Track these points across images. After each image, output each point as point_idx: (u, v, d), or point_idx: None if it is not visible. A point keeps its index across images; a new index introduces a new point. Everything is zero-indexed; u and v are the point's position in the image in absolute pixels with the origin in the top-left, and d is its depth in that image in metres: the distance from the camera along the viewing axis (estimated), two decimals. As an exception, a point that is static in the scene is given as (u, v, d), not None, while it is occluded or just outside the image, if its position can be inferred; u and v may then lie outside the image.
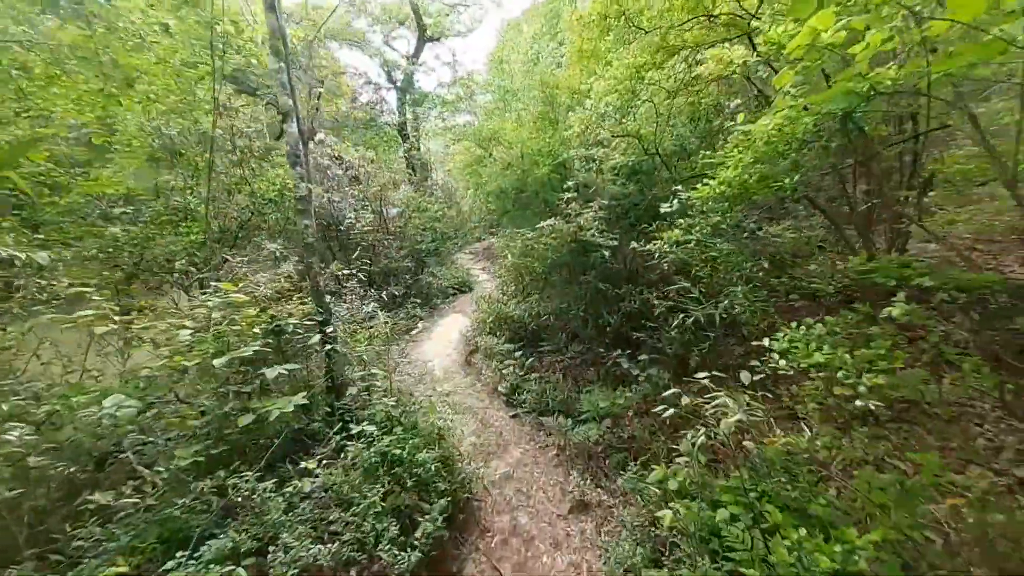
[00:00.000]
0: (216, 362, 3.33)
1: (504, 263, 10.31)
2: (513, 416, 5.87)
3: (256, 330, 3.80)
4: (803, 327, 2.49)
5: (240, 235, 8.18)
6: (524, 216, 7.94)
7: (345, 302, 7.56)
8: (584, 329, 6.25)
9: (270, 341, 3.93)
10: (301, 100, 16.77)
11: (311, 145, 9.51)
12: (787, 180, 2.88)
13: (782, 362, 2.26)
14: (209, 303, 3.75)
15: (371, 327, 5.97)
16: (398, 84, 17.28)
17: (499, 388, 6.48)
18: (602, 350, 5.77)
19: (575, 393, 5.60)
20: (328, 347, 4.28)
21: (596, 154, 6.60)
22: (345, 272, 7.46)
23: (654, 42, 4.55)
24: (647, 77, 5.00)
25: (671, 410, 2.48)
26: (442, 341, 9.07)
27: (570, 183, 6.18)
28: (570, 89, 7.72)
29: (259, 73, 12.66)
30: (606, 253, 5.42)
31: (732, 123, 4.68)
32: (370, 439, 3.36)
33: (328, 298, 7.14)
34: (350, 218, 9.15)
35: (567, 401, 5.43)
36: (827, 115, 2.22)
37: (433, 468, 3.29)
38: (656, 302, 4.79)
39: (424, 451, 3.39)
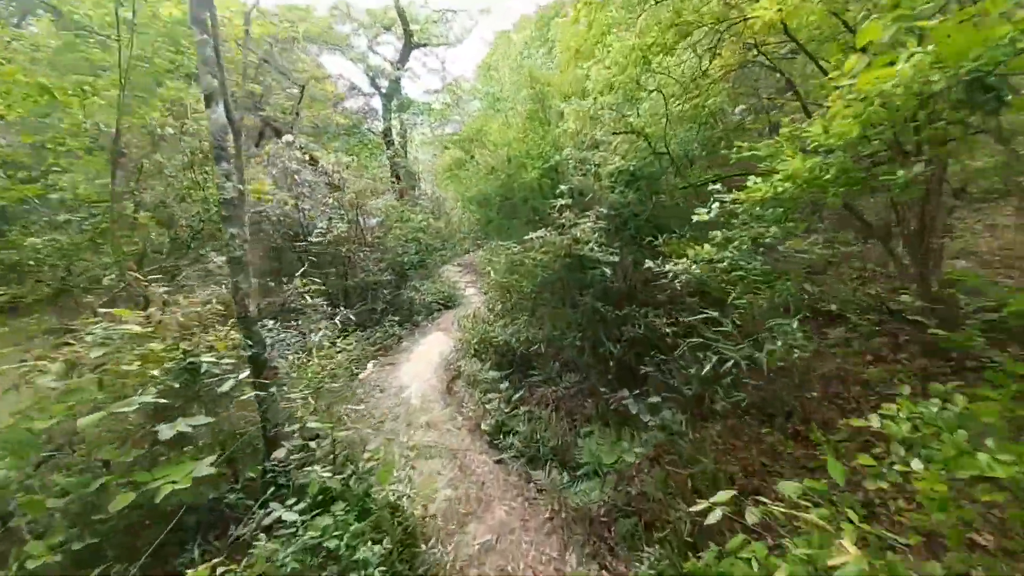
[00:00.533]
0: (83, 422, 2.42)
1: (488, 280, 9.55)
2: (498, 462, 4.97)
3: (157, 372, 2.90)
4: (922, 397, 1.55)
5: (192, 245, 7.25)
6: (511, 227, 7.13)
7: (307, 323, 6.65)
8: (580, 357, 5.41)
9: (178, 384, 3.03)
10: (280, 103, 15.95)
11: (277, 147, 8.66)
12: (899, 173, 1.99)
13: (916, 464, 1.42)
14: (91, 335, 2.84)
15: (329, 355, 5.06)
16: (383, 90, 16.56)
17: (482, 425, 5.59)
18: (602, 384, 4.92)
19: (571, 435, 4.74)
20: (261, 391, 3.38)
21: (593, 157, 5.85)
22: (310, 288, 6.55)
23: (666, 17, 3.81)
24: (655, 63, 4.26)
25: (717, 512, 1.66)
26: (422, 362, 8.15)
27: (563, 187, 5.39)
28: (562, 92, 7.02)
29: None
30: (607, 271, 4.62)
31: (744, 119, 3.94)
32: (293, 528, 2.46)
33: (270, 324, 6.23)
34: (320, 228, 8.27)
35: (561, 447, 4.56)
36: (954, 75, 1.49)
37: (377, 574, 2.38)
38: (667, 329, 3.99)
39: (369, 543, 2.49)
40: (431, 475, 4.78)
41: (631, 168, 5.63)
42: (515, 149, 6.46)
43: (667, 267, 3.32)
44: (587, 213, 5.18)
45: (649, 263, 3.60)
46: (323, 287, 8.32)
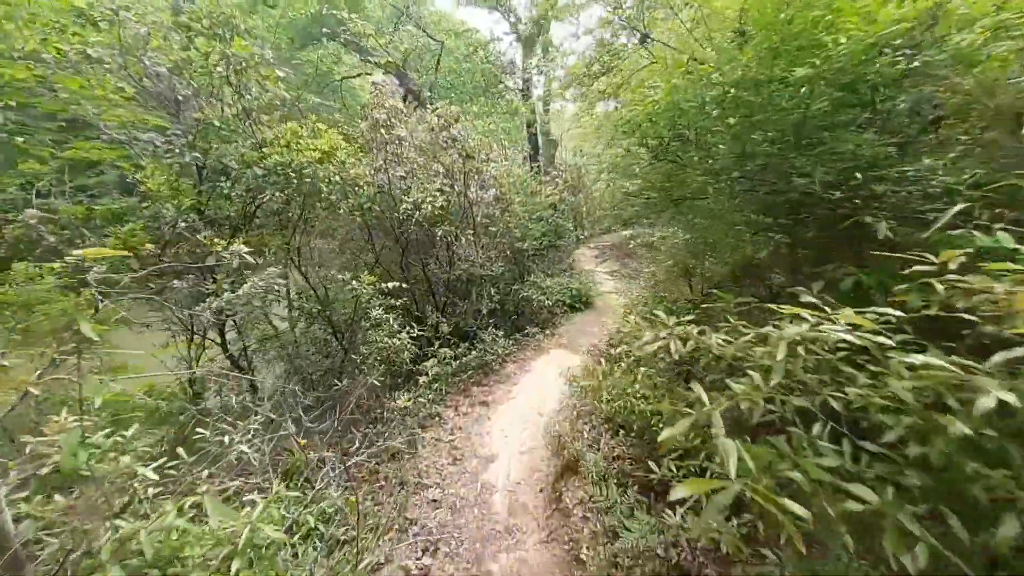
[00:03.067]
0: None
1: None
2: None
3: None
4: None
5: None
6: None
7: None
8: None
9: None
10: (416, 63, 14.46)
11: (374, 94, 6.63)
12: None
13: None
14: None
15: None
16: (522, 35, 13.80)
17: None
18: None
19: None
20: None
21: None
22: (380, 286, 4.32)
23: None
24: None
25: None
26: (527, 407, 5.48)
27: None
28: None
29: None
30: None
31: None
32: None
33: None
34: (408, 203, 6.05)
35: None
36: None
37: None
38: None
39: None
40: None
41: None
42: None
43: None
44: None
45: None
46: (405, 284, 6.20)
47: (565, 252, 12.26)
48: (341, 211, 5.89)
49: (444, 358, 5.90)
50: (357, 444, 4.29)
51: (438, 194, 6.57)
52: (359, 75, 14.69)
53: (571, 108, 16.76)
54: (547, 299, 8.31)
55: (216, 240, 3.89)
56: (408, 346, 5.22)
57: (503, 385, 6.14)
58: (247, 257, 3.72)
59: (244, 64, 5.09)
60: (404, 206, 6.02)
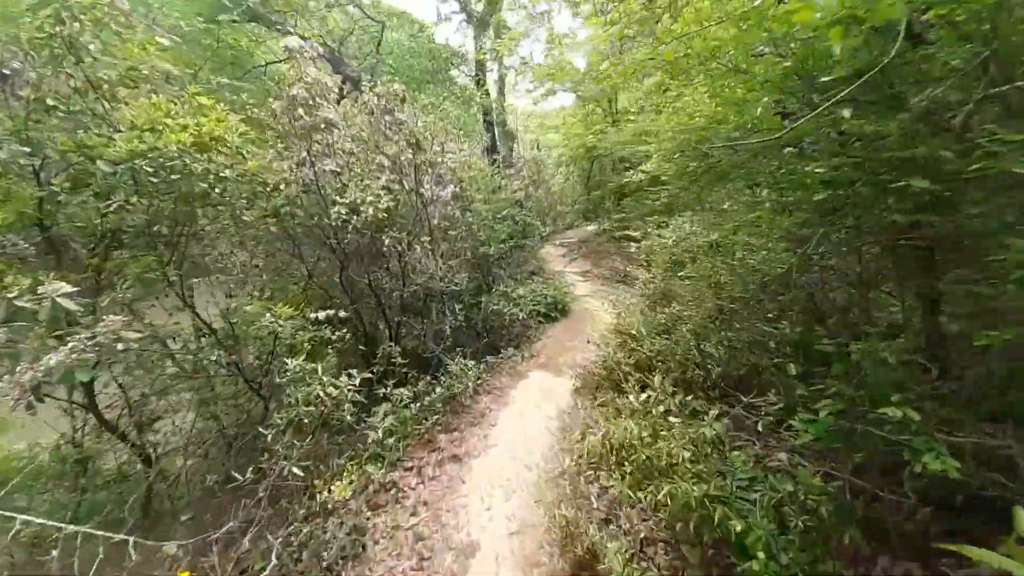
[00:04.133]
0: None
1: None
2: None
3: None
4: None
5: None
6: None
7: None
8: None
9: None
10: (354, 46, 12.85)
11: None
12: None
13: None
14: None
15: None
16: (473, 15, 12.50)
17: None
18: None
19: None
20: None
21: None
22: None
23: None
24: None
25: None
26: (511, 463, 4.31)
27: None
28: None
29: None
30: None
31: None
32: None
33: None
34: (343, 205, 4.68)
35: None
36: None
37: None
38: None
39: None
40: None
41: None
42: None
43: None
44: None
45: None
46: (346, 308, 4.86)
47: (531, 252, 11.19)
48: (248, 218, 4.46)
49: (400, 401, 4.62)
50: (274, 559, 2.94)
51: (383, 193, 5.25)
52: (287, 59, 12.81)
53: (523, 103, 15.71)
54: (520, 311, 7.17)
55: (15, 277, 2.42)
56: (349, 396, 3.91)
57: (477, 428, 4.93)
58: (67, 303, 2.30)
59: (85, 15, 3.55)
60: (336, 209, 4.64)
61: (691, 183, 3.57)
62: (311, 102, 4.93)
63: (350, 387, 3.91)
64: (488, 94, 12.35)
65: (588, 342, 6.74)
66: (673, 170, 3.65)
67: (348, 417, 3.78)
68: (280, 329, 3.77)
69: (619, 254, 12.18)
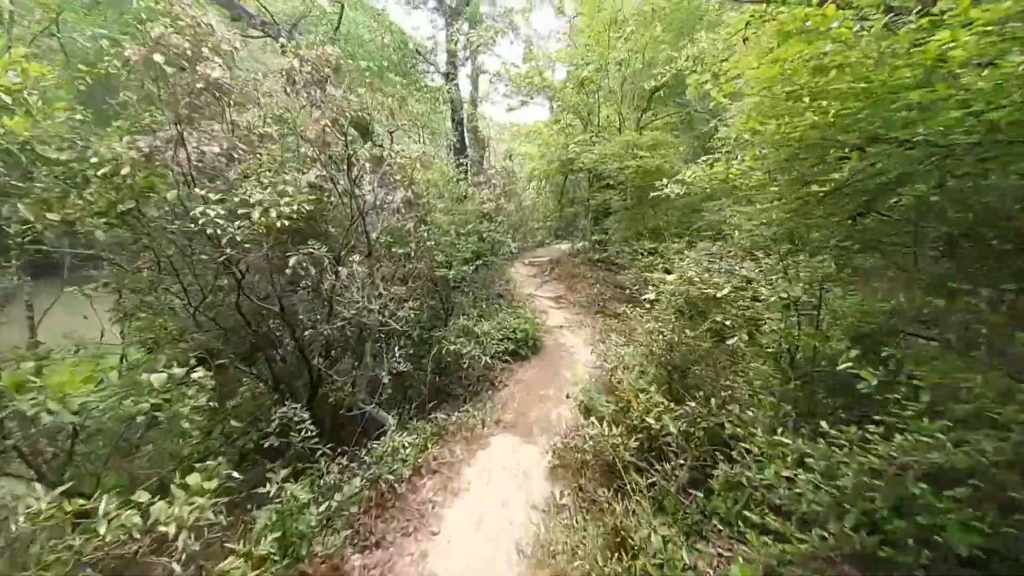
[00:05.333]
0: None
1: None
2: None
3: None
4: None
5: None
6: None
7: None
8: None
9: None
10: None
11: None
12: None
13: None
14: None
15: None
16: (447, 3, 11.16)
17: None
18: None
19: None
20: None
21: None
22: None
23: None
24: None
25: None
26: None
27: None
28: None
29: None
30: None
31: None
32: None
33: None
34: (209, 209, 3.10)
35: None
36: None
37: None
38: None
39: None
40: None
41: None
42: None
43: None
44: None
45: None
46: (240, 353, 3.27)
47: (498, 272, 9.79)
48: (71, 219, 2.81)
49: (293, 507, 3.03)
50: None
51: (302, 192, 3.70)
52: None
53: (498, 111, 14.49)
54: (484, 352, 5.71)
55: None
56: (191, 520, 2.31)
57: (412, 539, 3.40)
58: None
59: None
60: (202, 209, 3.05)
61: (801, 205, 2.28)
62: (192, 52, 3.35)
63: (193, 504, 2.32)
64: (458, 88, 10.99)
65: (568, 396, 5.38)
66: (784, 181, 2.34)
67: (177, 568, 2.18)
68: (72, 414, 2.15)
69: (596, 279, 11.00)
